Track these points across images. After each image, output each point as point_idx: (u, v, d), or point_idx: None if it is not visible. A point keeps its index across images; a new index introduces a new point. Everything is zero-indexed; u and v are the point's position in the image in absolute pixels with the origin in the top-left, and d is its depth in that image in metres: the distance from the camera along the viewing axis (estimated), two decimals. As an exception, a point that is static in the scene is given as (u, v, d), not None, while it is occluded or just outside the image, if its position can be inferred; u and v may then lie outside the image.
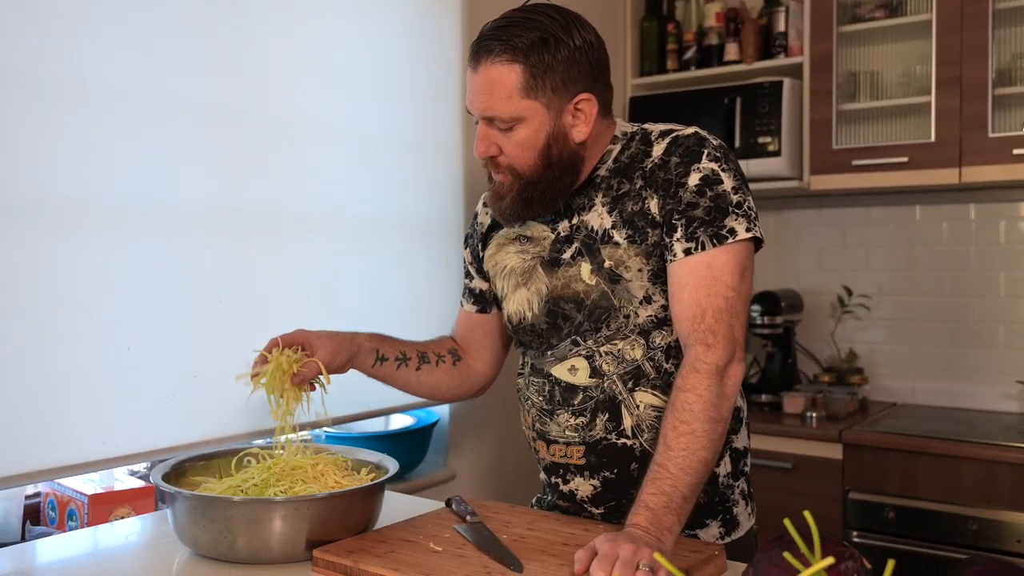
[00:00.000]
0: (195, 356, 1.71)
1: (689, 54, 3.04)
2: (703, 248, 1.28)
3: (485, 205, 1.59)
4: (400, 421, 2.33)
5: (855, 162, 2.68)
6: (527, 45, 1.29)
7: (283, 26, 1.89)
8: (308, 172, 1.95)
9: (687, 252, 1.29)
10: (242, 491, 1.30)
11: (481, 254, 1.56)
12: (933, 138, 2.56)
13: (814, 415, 2.62)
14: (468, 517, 1.35)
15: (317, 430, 2.03)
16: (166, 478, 1.32)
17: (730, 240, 1.28)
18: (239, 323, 1.79)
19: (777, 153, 2.73)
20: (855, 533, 2.45)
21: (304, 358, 1.38)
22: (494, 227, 1.55)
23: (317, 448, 1.47)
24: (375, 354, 1.50)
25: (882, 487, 2.42)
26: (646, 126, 1.42)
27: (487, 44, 1.31)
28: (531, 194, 1.36)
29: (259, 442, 1.68)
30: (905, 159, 2.60)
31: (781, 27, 2.89)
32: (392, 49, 2.16)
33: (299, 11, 1.92)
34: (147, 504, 1.62)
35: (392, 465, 1.39)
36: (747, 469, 1.45)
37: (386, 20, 2.14)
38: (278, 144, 1.88)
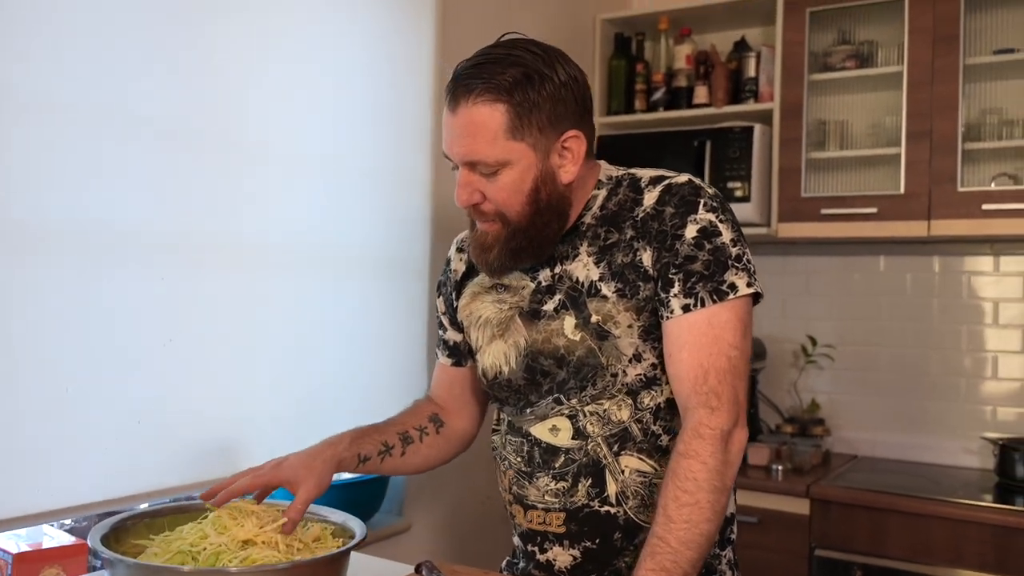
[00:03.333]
0: (139, 399, 1.57)
1: (658, 95, 3.00)
2: (702, 304, 1.20)
3: (460, 250, 1.49)
4: (354, 468, 2.20)
5: (824, 211, 2.66)
6: (510, 82, 1.20)
7: (244, 45, 1.77)
8: (269, 200, 1.83)
9: (685, 309, 1.21)
10: (193, 558, 1.17)
11: (455, 303, 1.46)
12: (903, 190, 2.55)
13: (780, 468, 2.56)
14: (442, 588, 1.24)
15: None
16: (105, 541, 1.19)
17: (731, 296, 1.21)
18: (189, 364, 1.65)
19: (747, 199, 2.69)
20: (821, 591, 2.39)
21: (274, 515, 1.25)
22: (469, 275, 1.45)
23: (275, 505, 1.35)
24: (356, 459, 1.38)
25: (849, 544, 2.36)
26: (634, 171, 1.34)
27: (466, 83, 1.21)
28: (519, 243, 1.27)
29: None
30: (874, 210, 2.58)
31: (751, 72, 2.87)
32: (359, 72, 2.06)
33: (262, 30, 1.81)
34: (79, 563, 1.47)
35: (359, 529, 1.28)
36: (734, 537, 1.37)
37: (353, 43, 2.04)
38: (237, 168, 1.75)
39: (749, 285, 1.22)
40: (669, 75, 3.00)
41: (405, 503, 2.27)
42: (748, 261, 1.24)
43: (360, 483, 2.08)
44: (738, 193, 2.70)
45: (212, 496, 1.25)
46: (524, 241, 1.26)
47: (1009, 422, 2.69)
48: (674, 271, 1.22)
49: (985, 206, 2.43)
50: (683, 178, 1.28)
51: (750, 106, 2.83)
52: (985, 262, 2.76)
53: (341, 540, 1.29)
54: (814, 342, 2.91)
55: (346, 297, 2.02)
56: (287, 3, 1.86)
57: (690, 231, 1.23)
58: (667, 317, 1.23)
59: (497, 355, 1.36)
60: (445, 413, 1.52)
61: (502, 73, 1.20)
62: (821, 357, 2.92)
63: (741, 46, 2.94)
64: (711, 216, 1.24)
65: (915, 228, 2.53)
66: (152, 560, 1.16)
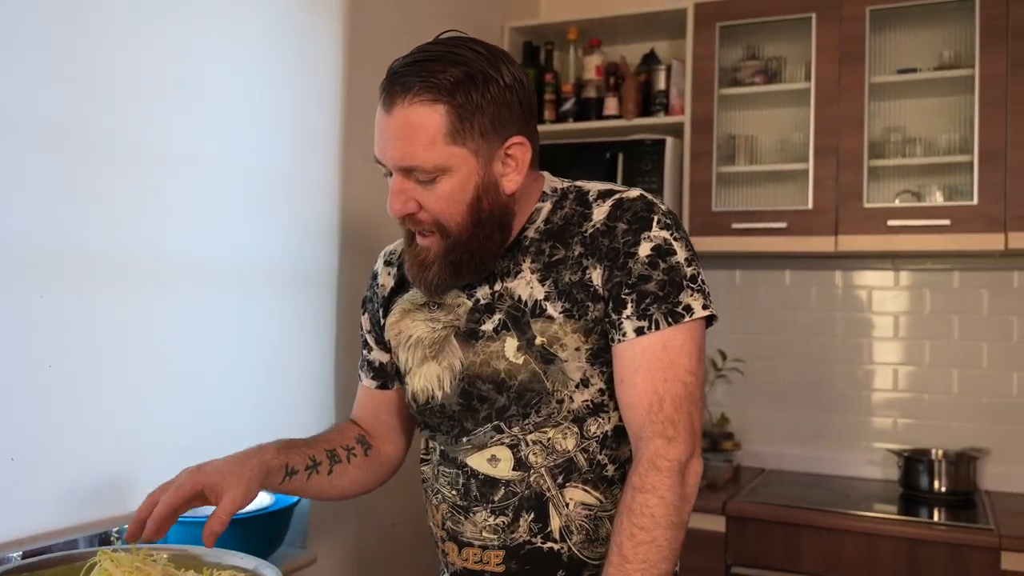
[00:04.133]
0: (13, 433, 1.38)
1: (567, 106, 2.94)
2: (657, 327, 1.13)
3: (388, 264, 1.38)
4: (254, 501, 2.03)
5: (735, 225, 2.66)
6: (452, 82, 1.10)
7: (141, 41, 1.60)
8: (164, 211, 1.66)
9: (639, 332, 1.13)
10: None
11: (382, 321, 1.35)
12: (811, 205, 2.57)
13: (693, 484, 2.53)
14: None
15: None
16: (-25, 604, 1.02)
17: (686, 318, 1.14)
18: (72, 392, 1.47)
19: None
20: (737, 609, 2.36)
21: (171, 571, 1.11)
22: (398, 290, 1.34)
23: (177, 551, 1.20)
24: (284, 470, 1.25)
25: (765, 560, 2.35)
26: (580, 184, 1.26)
27: (404, 81, 1.10)
28: (460, 257, 1.16)
29: (113, 547, 1.36)
30: (784, 225, 2.60)
31: (661, 85, 2.85)
32: (262, 78, 1.90)
33: (160, 28, 1.64)
34: (-59, 625, 1.28)
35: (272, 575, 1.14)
36: (678, 571, 1.30)
37: (257, 47, 1.89)
38: (129, 176, 1.58)
39: (705, 307, 1.16)
40: (579, 86, 2.96)
41: (309, 535, 2.12)
42: (703, 282, 1.18)
43: (261, 516, 1.92)
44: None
45: (137, 535, 1.10)
46: (465, 255, 1.16)
47: (911, 433, 2.75)
48: (627, 291, 1.14)
49: (890, 222, 2.47)
50: (635, 193, 1.20)
51: (661, 119, 2.81)
52: (886, 277, 2.82)
53: (253, 589, 1.15)
54: (724, 356, 2.91)
55: (248, 314, 1.86)
56: (190, 7, 1.70)
57: (644, 249, 1.15)
58: (619, 340, 1.15)
59: (429, 378, 1.25)
60: (371, 437, 1.40)
61: (443, 72, 1.10)
62: (730, 371, 2.92)
63: (650, 58, 2.92)
64: (665, 234, 1.16)
65: (823, 243, 2.56)
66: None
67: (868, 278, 2.84)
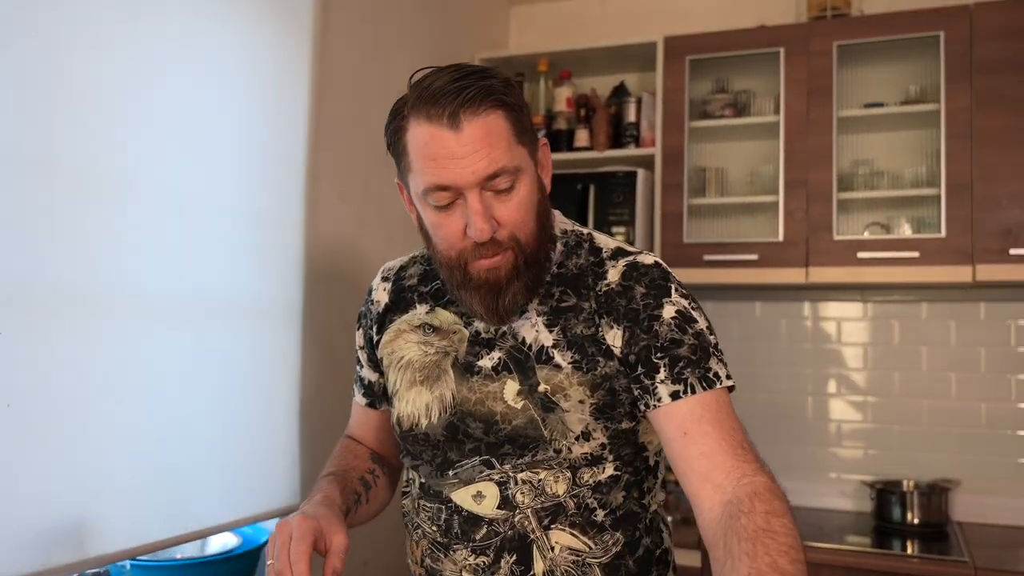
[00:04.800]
0: (-31, 476, 1.32)
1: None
2: (692, 392, 1.10)
3: (385, 279, 1.34)
4: (220, 540, 1.96)
5: (706, 257, 2.66)
6: (501, 87, 1.09)
7: (103, 68, 1.55)
8: (124, 242, 1.59)
9: (675, 396, 1.11)
10: None
11: (375, 338, 1.31)
12: (781, 238, 2.58)
13: (668, 519, 2.50)
14: None
15: (123, 562, 1.64)
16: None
17: (717, 385, 1.12)
18: (32, 433, 1.40)
19: (631, 244, 2.65)
20: (713, 646, 2.33)
21: None
22: (393, 308, 1.30)
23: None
24: (345, 511, 1.23)
25: (741, 596, 2.31)
26: (594, 234, 1.24)
27: (463, 95, 1.05)
28: (533, 272, 1.14)
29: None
30: (755, 256, 2.60)
31: (631, 117, 2.85)
32: (227, 106, 1.86)
33: (123, 57, 1.59)
34: None
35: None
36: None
37: (223, 76, 1.85)
38: (87, 206, 1.52)
39: (728, 376, 1.15)
40: (549, 117, 2.96)
41: None
42: (722, 352, 1.17)
43: (230, 558, 1.85)
44: (621, 238, 2.66)
45: None
46: (535, 268, 1.14)
47: (881, 464, 2.75)
48: (659, 355, 1.12)
49: (860, 254, 2.49)
50: (650, 259, 1.19)
51: (631, 151, 2.81)
52: (855, 308, 2.83)
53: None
54: (695, 388, 2.89)
55: (211, 349, 1.80)
56: (152, 31, 1.65)
57: (668, 312, 1.14)
58: (654, 405, 1.12)
59: (417, 405, 1.22)
60: (378, 453, 1.40)
61: (485, 80, 1.08)
62: (701, 403, 2.90)
63: (620, 91, 2.93)
64: (685, 302, 1.16)
65: (794, 275, 2.57)
66: None
67: (837, 309, 2.85)
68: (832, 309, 2.86)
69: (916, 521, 2.47)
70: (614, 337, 1.14)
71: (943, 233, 2.42)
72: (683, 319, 1.14)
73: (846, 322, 2.84)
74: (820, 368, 2.86)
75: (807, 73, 2.58)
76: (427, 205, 1.12)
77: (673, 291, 1.16)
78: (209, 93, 1.81)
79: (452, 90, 1.06)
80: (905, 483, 2.63)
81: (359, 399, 1.39)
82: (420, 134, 1.08)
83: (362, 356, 1.36)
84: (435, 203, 1.10)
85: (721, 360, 1.15)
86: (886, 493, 2.53)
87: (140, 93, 1.63)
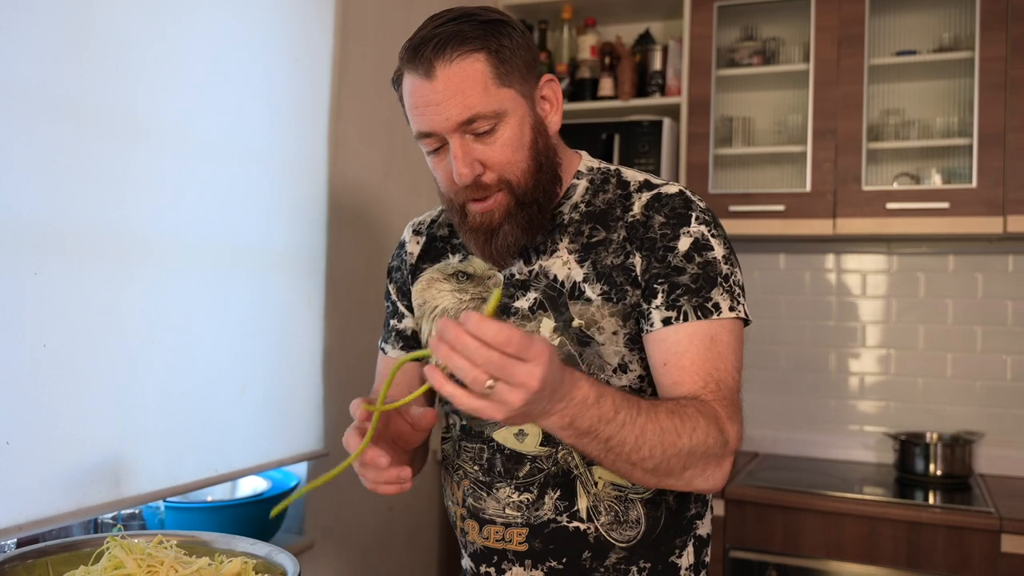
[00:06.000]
0: (7, 415, 1.32)
1: (562, 86, 2.89)
2: (685, 319, 1.10)
3: (416, 232, 1.34)
4: (250, 485, 1.98)
5: (732, 208, 2.63)
6: (481, 31, 1.09)
7: (133, 13, 1.53)
8: (155, 188, 1.59)
9: (666, 321, 1.11)
10: (95, 611, 0.96)
11: (410, 288, 1.31)
12: (809, 188, 2.55)
13: (691, 468, 2.51)
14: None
15: (156, 503, 1.66)
16: (-21, 593, 0.96)
17: (715, 316, 1.11)
18: (67, 373, 1.41)
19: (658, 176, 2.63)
20: (735, 593, 2.35)
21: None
22: (424, 258, 1.31)
23: (187, 537, 1.15)
24: None
25: (763, 544, 2.33)
26: (622, 169, 1.23)
27: (436, 44, 1.08)
28: (530, 213, 1.14)
29: (117, 532, 1.29)
30: (782, 207, 2.57)
31: (656, 66, 2.81)
32: (253, 53, 1.83)
33: (152, 2, 1.57)
34: (-66, 615, 1.21)
35: (291, 565, 1.09)
36: (708, 559, 1.27)
37: (249, 23, 1.82)
38: (120, 151, 1.51)
39: (732, 309, 1.13)
40: (573, 66, 2.92)
41: (305, 520, 2.07)
42: (735, 283, 1.15)
43: (258, 501, 1.87)
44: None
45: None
46: (534, 209, 1.14)
47: (904, 417, 2.75)
48: (660, 281, 1.12)
49: (889, 205, 2.46)
50: (673, 188, 1.18)
51: (656, 100, 2.77)
52: (880, 261, 2.81)
53: (267, 577, 1.10)
54: (718, 340, 2.89)
55: (238, 295, 1.80)
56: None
57: (683, 243, 1.13)
58: (647, 330, 1.13)
59: None
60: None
61: (464, 25, 1.09)
62: (724, 355, 2.90)
63: (645, 39, 2.88)
64: (703, 229, 1.15)
65: (821, 226, 2.54)
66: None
67: (862, 262, 2.83)
68: (857, 261, 2.83)
69: (939, 473, 2.47)
70: (637, 265, 1.15)
71: (974, 184, 2.38)
72: (696, 247, 1.13)
73: (871, 275, 2.82)
74: (844, 321, 2.84)
75: (838, 20, 2.52)
76: (423, 151, 1.15)
77: (693, 219, 1.15)
78: (235, 38, 1.79)
79: (428, 37, 1.09)
80: (928, 435, 2.63)
81: (394, 353, 1.37)
82: (406, 84, 1.12)
83: (400, 307, 1.36)
84: (426, 148, 1.14)
85: (728, 292, 1.13)
86: (909, 445, 2.53)
87: (167, 38, 1.61)
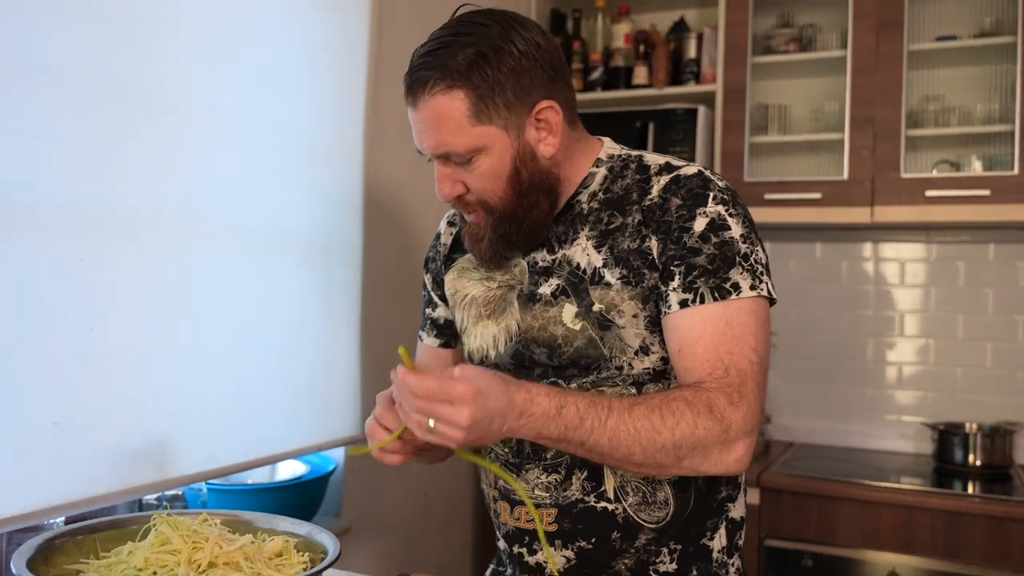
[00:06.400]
0: (56, 397, 1.36)
1: (595, 75, 2.90)
2: (702, 301, 1.10)
3: (451, 224, 1.37)
4: (289, 469, 2.02)
5: (767, 196, 2.62)
6: (465, 65, 1.09)
7: (179, 3, 1.57)
8: (199, 172, 1.62)
9: (683, 304, 1.11)
10: (142, 585, 0.99)
11: (444, 279, 1.34)
12: (846, 176, 2.53)
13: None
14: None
15: (199, 484, 1.70)
16: (32, 566, 1.00)
17: (732, 296, 1.11)
18: (111, 356, 1.45)
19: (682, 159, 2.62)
20: (769, 582, 2.35)
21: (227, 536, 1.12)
22: (456, 249, 1.34)
23: (230, 516, 1.18)
24: None
25: (799, 533, 2.33)
26: (644, 154, 1.23)
27: (420, 75, 1.11)
28: (509, 229, 1.17)
29: (162, 510, 1.33)
30: (819, 195, 2.56)
31: (691, 53, 2.80)
32: (291, 44, 1.86)
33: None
34: (-12, 589, 1.26)
35: (331, 544, 1.11)
36: (741, 543, 1.28)
37: (287, 12, 1.84)
38: (164, 138, 1.54)
39: (752, 288, 1.12)
40: (607, 54, 2.91)
41: (343, 504, 2.10)
42: (756, 261, 1.14)
43: (298, 484, 1.91)
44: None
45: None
46: (512, 226, 1.17)
47: (942, 407, 2.72)
48: (676, 263, 1.13)
49: (928, 192, 2.43)
50: (692, 169, 1.18)
51: (691, 88, 2.76)
52: (919, 249, 2.78)
53: (307, 555, 1.13)
54: (753, 329, 2.87)
55: (279, 282, 1.83)
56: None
57: (699, 224, 1.13)
58: (664, 312, 1.13)
59: (485, 337, 1.26)
60: None
61: (454, 58, 1.10)
62: (759, 344, 2.89)
63: (680, 27, 2.87)
64: (721, 208, 1.14)
65: (858, 214, 2.52)
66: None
67: (900, 250, 2.80)
68: (895, 250, 2.81)
69: (979, 463, 2.45)
70: (654, 248, 1.15)
71: (1015, 170, 2.35)
72: (712, 227, 1.12)
73: (910, 263, 2.79)
74: (881, 310, 2.81)
75: (877, 5, 2.49)
76: None
77: (710, 199, 1.14)
78: (276, 29, 1.81)
79: (417, 67, 1.13)
80: (968, 425, 2.60)
81: (430, 341, 1.40)
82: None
83: (435, 296, 1.39)
84: (426, 159, 1.19)
85: (749, 270, 1.12)
86: (948, 435, 2.51)
87: (210, 26, 1.64)
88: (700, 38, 2.79)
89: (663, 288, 1.13)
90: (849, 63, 2.53)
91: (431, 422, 0.95)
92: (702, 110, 2.64)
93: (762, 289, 1.12)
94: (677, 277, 1.12)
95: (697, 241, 1.12)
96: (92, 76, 1.41)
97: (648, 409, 1.03)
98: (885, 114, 2.48)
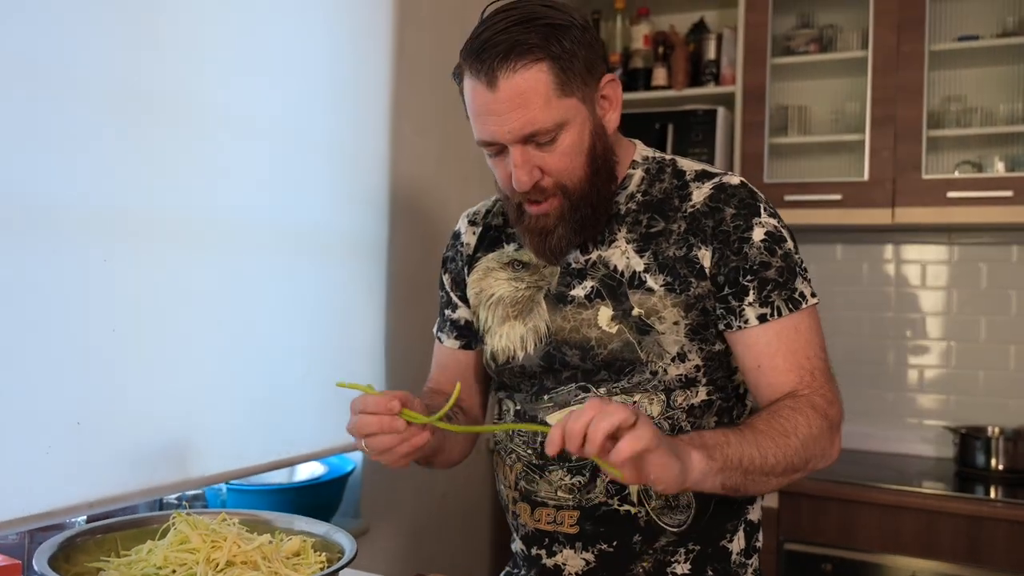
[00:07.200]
0: (79, 397, 1.38)
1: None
2: (779, 314, 1.13)
3: (472, 223, 1.36)
4: (308, 469, 2.03)
5: (787, 197, 2.60)
6: (542, 37, 1.08)
7: (204, 4, 1.58)
8: (222, 172, 1.64)
9: (762, 319, 1.13)
10: (162, 583, 1.00)
11: (467, 279, 1.33)
12: (867, 177, 2.51)
13: (745, 460, 2.49)
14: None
15: (219, 485, 1.71)
16: (54, 563, 1.01)
17: (803, 305, 1.14)
18: (134, 357, 1.46)
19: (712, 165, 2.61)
20: (789, 586, 2.33)
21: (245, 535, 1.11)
22: (480, 248, 1.33)
23: (248, 515, 1.19)
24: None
25: (819, 537, 2.31)
26: (676, 158, 1.24)
27: (499, 51, 1.08)
28: (583, 213, 1.16)
29: (182, 509, 1.34)
30: (839, 197, 2.54)
31: (711, 55, 2.79)
32: (316, 43, 1.88)
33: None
34: (11, 586, 1.27)
35: (348, 543, 1.12)
36: (759, 545, 1.27)
37: (311, 12, 1.86)
38: (188, 139, 1.55)
39: (813, 295, 1.17)
40: (626, 56, 2.91)
41: (362, 505, 2.11)
42: (806, 269, 1.19)
43: (316, 485, 1.92)
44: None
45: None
46: (587, 209, 1.16)
47: (965, 411, 2.69)
48: (748, 277, 1.14)
49: (950, 194, 2.41)
50: (736, 179, 1.20)
51: (711, 89, 2.75)
52: (941, 251, 2.75)
53: (324, 555, 1.13)
54: (773, 331, 2.86)
55: (301, 281, 1.84)
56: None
57: (758, 234, 1.15)
58: (738, 327, 1.15)
59: (512, 339, 1.25)
60: (460, 402, 1.38)
61: (527, 32, 1.08)
62: (778, 347, 2.87)
63: (699, 28, 2.86)
64: (774, 221, 1.17)
65: (879, 215, 2.50)
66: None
67: (922, 252, 2.78)
68: (916, 252, 2.78)
69: (1001, 467, 2.42)
70: (705, 258, 1.16)
71: (1039, 171, 2.33)
72: (772, 240, 1.15)
73: (931, 265, 2.76)
74: (902, 312, 2.79)
75: (897, 5, 2.48)
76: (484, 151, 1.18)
77: (762, 211, 1.17)
78: (297, 29, 1.82)
79: (491, 44, 1.08)
80: (990, 429, 2.57)
81: (449, 343, 1.39)
82: (468, 87, 1.13)
83: (455, 297, 1.38)
84: (487, 153, 1.16)
85: (806, 278, 1.18)
86: (970, 438, 2.48)
87: (233, 29, 1.66)
88: (719, 39, 2.78)
89: (734, 303, 1.15)
90: (870, 63, 2.51)
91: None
92: (721, 111, 2.63)
93: (815, 296, 1.18)
94: (752, 292, 1.14)
95: (763, 254, 1.14)
96: (117, 79, 1.42)
97: (766, 424, 1.07)
98: (906, 114, 2.47)
